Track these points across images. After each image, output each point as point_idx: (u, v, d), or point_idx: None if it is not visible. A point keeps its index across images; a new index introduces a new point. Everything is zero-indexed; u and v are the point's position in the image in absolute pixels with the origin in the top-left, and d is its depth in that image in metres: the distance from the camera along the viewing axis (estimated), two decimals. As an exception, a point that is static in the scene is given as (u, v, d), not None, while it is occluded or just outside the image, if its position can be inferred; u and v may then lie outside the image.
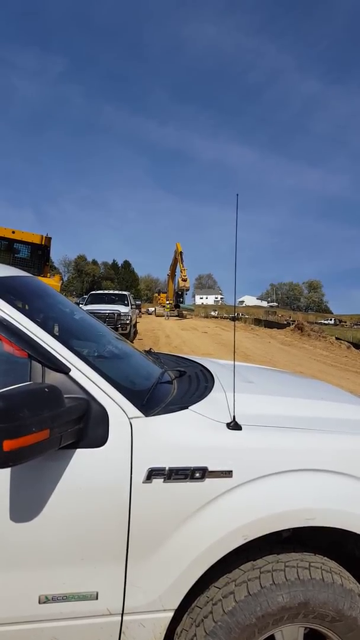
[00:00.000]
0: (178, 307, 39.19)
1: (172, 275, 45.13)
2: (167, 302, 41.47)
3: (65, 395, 1.22)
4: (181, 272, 37.28)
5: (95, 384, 1.33)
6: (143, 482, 1.27)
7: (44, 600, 1.24)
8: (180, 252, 38.38)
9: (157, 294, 53.52)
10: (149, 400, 1.47)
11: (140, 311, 33.70)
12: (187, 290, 38.68)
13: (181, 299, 39.67)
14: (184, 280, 36.97)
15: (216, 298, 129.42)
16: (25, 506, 1.22)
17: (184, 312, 39.32)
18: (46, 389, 1.15)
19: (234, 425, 1.41)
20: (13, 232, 12.27)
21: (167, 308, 39.08)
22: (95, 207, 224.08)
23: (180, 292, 39.57)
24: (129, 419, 1.33)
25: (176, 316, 37.79)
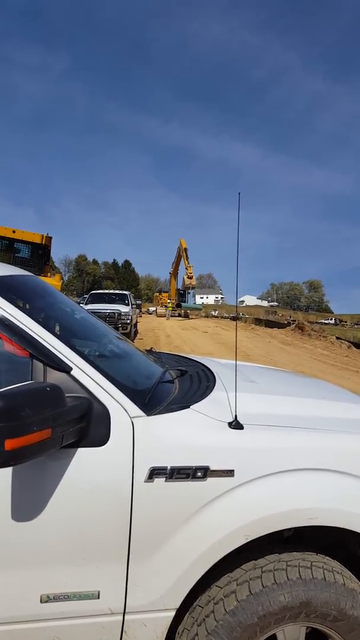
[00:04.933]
0: (180, 306, 37.79)
1: (175, 273, 43.31)
2: (169, 301, 40.06)
3: (66, 395, 1.22)
4: (186, 269, 35.60)
5: (97, 383, 1.32)
6: (145, 482, 1.27)
7: (46, 599, 1.24)
8: (185, 249, 36.67)
9: (157, 294, 52.32)
10: (151, 399, 1.47)
11: (140, 311, 33.06)
12: (194, 287, 36.90)
13: (183, 298, 38.45)
14: (190, 277, 35.32)
15: (216, 298, 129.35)
16: (27, 505, 1.22)
17: (188, 311, 37.50)
18: (48, 388, 1.15)
19: (236, 425, 1.41)
20: (14, 232, 12.29)
21: (170, 307, 36.98)
22: (97, 207, 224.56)
23: (183, 291, 38.44)
24: (130, 418, 1.32)
25: (179, 316, 36.61)
